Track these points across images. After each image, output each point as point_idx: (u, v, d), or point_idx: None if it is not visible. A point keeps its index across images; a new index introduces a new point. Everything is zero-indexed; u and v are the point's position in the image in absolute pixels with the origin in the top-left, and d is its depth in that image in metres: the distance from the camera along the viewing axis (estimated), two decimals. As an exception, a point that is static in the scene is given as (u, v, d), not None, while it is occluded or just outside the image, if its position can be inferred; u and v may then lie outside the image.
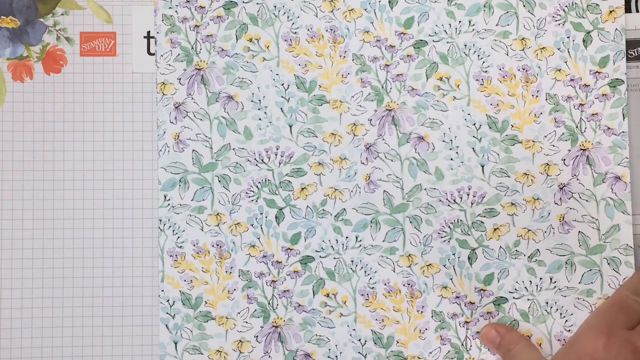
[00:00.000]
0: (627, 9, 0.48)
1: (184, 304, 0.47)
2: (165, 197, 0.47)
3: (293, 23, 0.48)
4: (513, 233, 0.47)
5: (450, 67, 0.48)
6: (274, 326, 0.47)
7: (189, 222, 0.47)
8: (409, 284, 0.47)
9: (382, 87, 0.48)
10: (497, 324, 0.46)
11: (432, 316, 0.47)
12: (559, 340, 0.47)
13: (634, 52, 0.48)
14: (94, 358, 0.47)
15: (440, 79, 0.48)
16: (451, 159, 0.47)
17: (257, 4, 0.48)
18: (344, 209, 0.47)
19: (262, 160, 0.48)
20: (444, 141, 0.47)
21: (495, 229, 0.47)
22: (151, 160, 0.48)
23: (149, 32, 0.48)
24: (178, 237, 0.47)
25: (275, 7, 0.48)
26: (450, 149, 0.47)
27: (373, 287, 0.47)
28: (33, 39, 0.48)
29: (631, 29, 0.48)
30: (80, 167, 0.48)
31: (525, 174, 0.47)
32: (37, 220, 0.48)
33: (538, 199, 0.47)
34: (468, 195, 0.47)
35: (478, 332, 0.47)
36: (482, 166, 0.47)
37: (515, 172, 0.47)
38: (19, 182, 0.48)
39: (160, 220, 0.47)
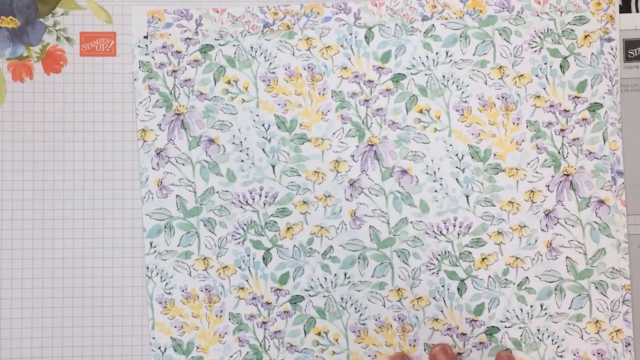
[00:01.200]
0: (627, 9, 0.48)
1: (175, 351, 0.47)
2: (151, 244, 0.47)
3: (270, 63, 0.48)
4: (501, 262, 0.47)
5: (429, 99, 0.48)
6: (267, 368, 0.47)
7: (176, 268, 0.47)
8: (400, 318, 0.47)
9: (363, 122, 0.48)
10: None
11: (424, 349, 0.47)
12: (552, 363, 0.47)
13: (633, 52, 0.48)
14: (94, 359, 0.47)
15: (421, 111, 0.48)
16: (435, 191, 0.47)
17: (234, 46, 0.48)
18: (331, 246, 0.47)
19: (247, 201, 0.47)
20: (427, 173, 0.47)
21: (483, 259, 0.47)
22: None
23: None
24: (166, 284, 0.47)
25: (251, 48, 0.48)
26: (434, 181, 0.47)
27: (364, 324, 0.47)
28: (33, 39, 0.48)
29: (631, 29, 0.48)
30: (80, 167, 0.48)
31: (510, 202, 0.47)
32: (37, 221, 0.47)
33: (524, 226, 0.47)
34: (454, 226, 0.47)
35: (471, 362, 0.47)
36: (467, 196, 0.47)
37: (500, 201, 0.47)
38: (19, 182, 0.47)
39: (148, 268, 0.47)
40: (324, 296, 0.47)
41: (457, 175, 0.47)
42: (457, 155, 0.47)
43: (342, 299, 0.47)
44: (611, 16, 0.47)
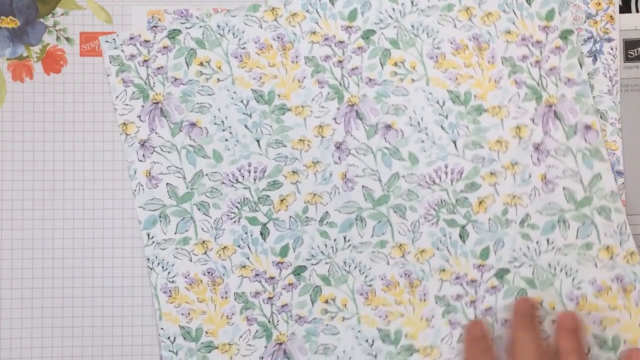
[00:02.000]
0: (627, 9, 0.48)
1: (184, 338, 0.46)
2: (148, 235, 0.47)
3: (240, 39, 0.48)
4: (499, 202, 0.47)
5: (402, 51, 0.48)
6: (277, 344, 0.46)
7: (176, 256, 0.47)
8: (406, 274, 0.47)
9: (340, 84, 0.48)
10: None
11: (436, 302, 0.46)
12: (571, 299, 0.46)
13: (633, 52, 0.48)
14: (94, 359, 0.47)
15: (395, 64, 0.48)
16: (422, 141, 0.47)
17: (200, 27, 0.48)
18: (327, 212, 0.47)
19: (237, 180, 0.47)
20: (411, 125, 0.47)
21: (480, 202, 0.47)
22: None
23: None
24: (169, 272, 0.47)
25: (219, 26, 0.48)
26: (420, 132, 0.47)
27: (370, 285, 0.46)
28: (33, 39, 0.48)
29: (631, 29, 0.48)
30: (80, 167, 0.48)
31: (498, 141, 0.47)
32: (37, 220, 0.47)
33: (516, 163, 0.47)
34: (446, 174, 0.47)
35: (487, 308, 0.46)
36: (454, 142, 0.47)
37: (488, 142, 0.47)
38: (19, 182, 0.47)
39: (148, 259, 0.47)
40: (327, 263, 0.47)
41: (441, 122, 0.47)
42: (438, 102, 0.47)
43: (345, 263, 0.47)
44: (611, 16, 0.48)
